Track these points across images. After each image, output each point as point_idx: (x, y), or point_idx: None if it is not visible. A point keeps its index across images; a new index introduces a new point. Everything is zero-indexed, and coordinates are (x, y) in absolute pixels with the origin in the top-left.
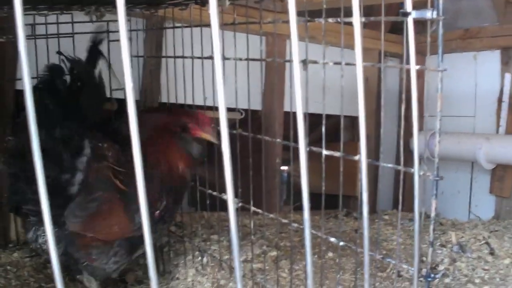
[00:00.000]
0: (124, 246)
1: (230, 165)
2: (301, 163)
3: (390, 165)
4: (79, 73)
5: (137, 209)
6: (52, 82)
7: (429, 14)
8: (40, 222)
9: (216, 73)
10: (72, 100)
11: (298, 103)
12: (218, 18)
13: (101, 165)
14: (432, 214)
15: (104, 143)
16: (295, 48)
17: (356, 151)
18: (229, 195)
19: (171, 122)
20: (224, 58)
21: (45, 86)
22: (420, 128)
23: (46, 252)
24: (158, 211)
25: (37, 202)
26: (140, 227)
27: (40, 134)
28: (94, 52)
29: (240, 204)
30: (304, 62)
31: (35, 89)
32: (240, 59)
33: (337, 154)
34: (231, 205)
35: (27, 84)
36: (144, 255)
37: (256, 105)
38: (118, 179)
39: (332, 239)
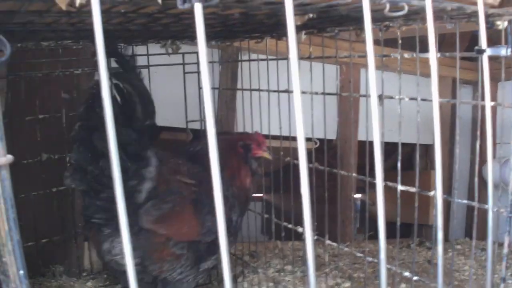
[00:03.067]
0: (190, 257)
1: (309, 199)
2: (378, 202)
3: (464, 201)
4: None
5: (207, 214)
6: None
7: (503, 51)
8: (115, 232)
9: (295, 109)
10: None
11: (376, 140)
12: (297, 54)
13: (172, 177)
14: (505, 251)
15: (172, 158)
16: (373, 90)
17: (430, 180)
18: (307, 230)
19: (237, 144)
20: (290, 92)
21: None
22: (493, 156)
23: (120, 264)
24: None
25: (107, 210)
26: (207, 232)
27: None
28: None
29: (315, 237)
30: (380, 98)
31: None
32: (316, 93)
33: (412, 189)
34: (309, 241)
35: (108, 116)
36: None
37: (331, 134)
38: (188, 189)
39: (406, 273)
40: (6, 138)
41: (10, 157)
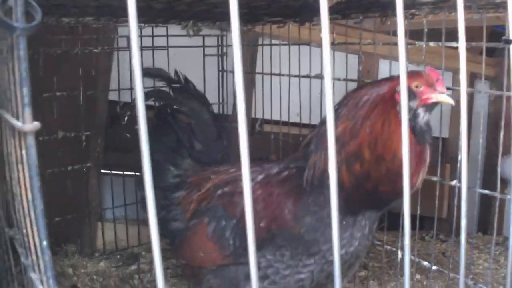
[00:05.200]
0: (219, 278)
1: (336, 186)
2: (404, 189)
3: (487, 192)
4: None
5: (231, 231)
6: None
7: None
8: None
9: (326, 94)
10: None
11: (404, 129)
12: (328, 38)
13: (189, 197)
14: None
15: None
16: (403, 76)
17: (444, 172)
18: (334, 217)
19: (392, 88)
20: (322, 78)
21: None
22: (506, 152)
23: None
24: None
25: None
26: (235, 252)
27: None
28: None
29: None
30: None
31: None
32: (339, 79)
33: (434, 178)
34: (335, 226)
35: (140, 100)
36: None
37: None
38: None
39: (425, 263)
40: None
41: (36, 124)
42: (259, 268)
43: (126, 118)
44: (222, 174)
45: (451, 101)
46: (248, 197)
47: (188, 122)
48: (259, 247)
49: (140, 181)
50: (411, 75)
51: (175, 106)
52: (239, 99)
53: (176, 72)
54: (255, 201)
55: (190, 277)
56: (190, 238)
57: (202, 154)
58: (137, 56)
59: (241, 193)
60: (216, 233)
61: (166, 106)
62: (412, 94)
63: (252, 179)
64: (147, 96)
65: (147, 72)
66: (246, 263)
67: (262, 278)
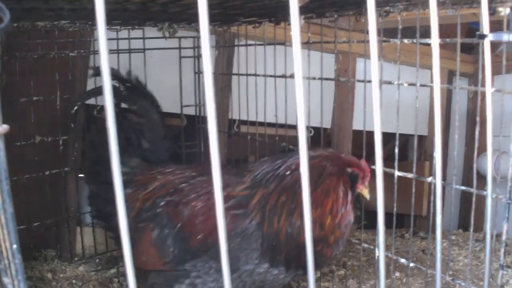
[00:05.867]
0: (161, 277)
1: (308, 191)
2: (377, 186)
3: (463, 188)
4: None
5: (172, 239)
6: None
7: (506, 36)
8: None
9: (297, 93)
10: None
11: (376, 125)
12: (299, 37)
13: (135, 196)
14: (503, 238)
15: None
16: (375, 72)
17: (423, 170)
18: (306, 216)
19: (345, 169)
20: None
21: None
22: (485, 149)
23: None
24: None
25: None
26: (173, 259)
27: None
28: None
29: None
30: (379, 83)
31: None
32: (314, 78)
33: (410, 175)
34: (308, 228)
35: (108, 101)
36: None
37: (326, 123)
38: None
39: (402, 260)
40: None
41: (5, 127)
42: (189, 276)
43: (75, 109)
44: (168, 175)
45: (367, 196)
46: (219, 202)
47: (137, 122)
48: (193, 256)
49: (88, 179)
50: (357, 164)
51: (125, 105)
52: (208, 100)
53: (129, 73)
54: (195, 214)
55: (138, 276)
56: (136, 242)
57: (149, 153)
58: (106, 58)
59: (185, 203)
60: (159, 240)
61: (114, 105)
62: (356, 179)
63: (196, 192)
64: (99, 91)
65: (99, 72)
66: (182, 271)
67: (190, 285)
